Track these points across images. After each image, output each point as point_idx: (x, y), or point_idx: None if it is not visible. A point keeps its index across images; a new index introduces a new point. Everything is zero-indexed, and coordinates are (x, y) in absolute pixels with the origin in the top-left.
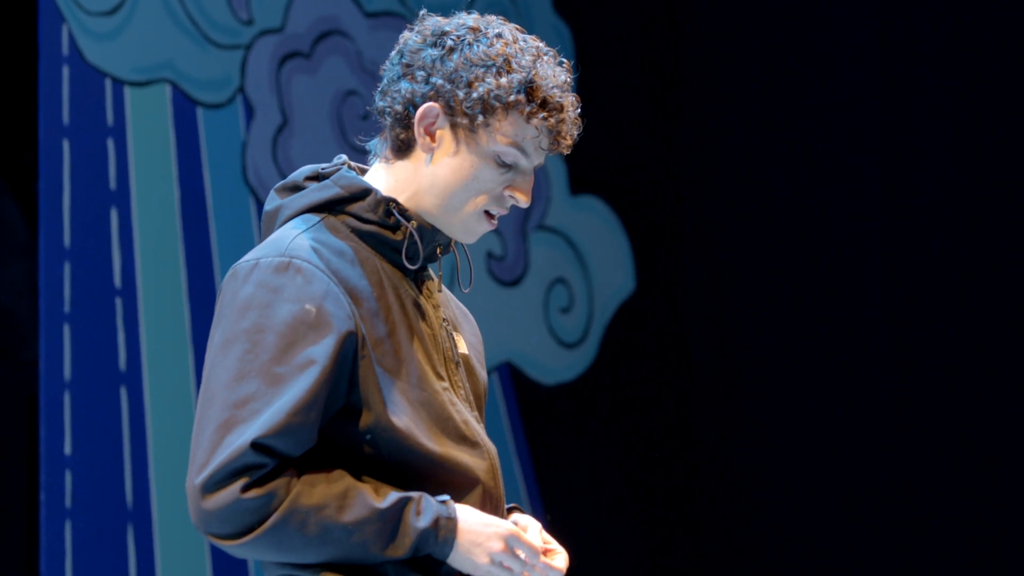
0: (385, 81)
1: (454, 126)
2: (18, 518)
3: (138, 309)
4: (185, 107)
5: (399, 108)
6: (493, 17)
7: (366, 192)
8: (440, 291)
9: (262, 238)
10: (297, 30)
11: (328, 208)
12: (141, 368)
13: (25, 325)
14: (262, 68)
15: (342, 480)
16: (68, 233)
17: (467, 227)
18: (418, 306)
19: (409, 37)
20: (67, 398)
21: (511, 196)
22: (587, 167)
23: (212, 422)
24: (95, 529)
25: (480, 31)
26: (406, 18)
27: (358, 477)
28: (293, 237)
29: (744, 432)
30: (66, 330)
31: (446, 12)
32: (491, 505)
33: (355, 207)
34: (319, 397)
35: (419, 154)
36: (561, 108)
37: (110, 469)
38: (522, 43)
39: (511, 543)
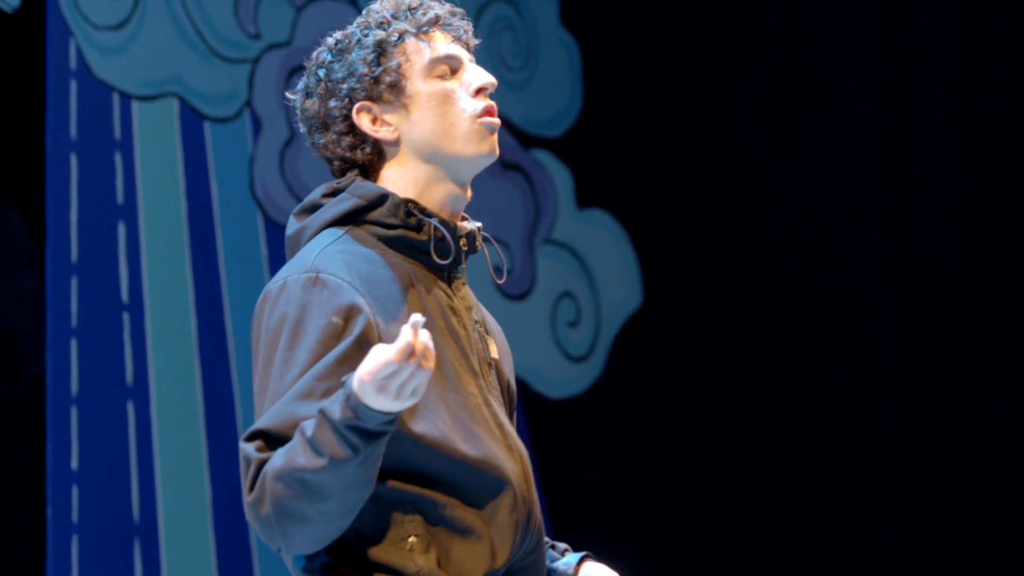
0: (321, 153)
1: (386, 99)
2: (25, 532)
3: (145, 323)
4: (192, 121)
5: (347, 139)
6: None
7: (384, 197)
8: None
9: (278, 262)
10: (304, 44)
11: (350, 219)
12: (148, 382)
13: (32, 339)
14: (269, 82)
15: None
16: (75, 247)
17: (477, 139)
18: (452, 308)
19: (299, 114)
20: (74, 412)
21: (476, 89)
22: (594, 181)
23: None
24: (102, 544)
25: (325, 46)
26: None
27: (396, 482)
28: (319, 251)
29: (751, 446)
30: (73, 344)
31: None
32: (523, 508)
33: (376, 214)
34: None
35: (390, 150)
36: (421, 2)
37: (117, 483)
38: (363, 14)
39: (381, 373)
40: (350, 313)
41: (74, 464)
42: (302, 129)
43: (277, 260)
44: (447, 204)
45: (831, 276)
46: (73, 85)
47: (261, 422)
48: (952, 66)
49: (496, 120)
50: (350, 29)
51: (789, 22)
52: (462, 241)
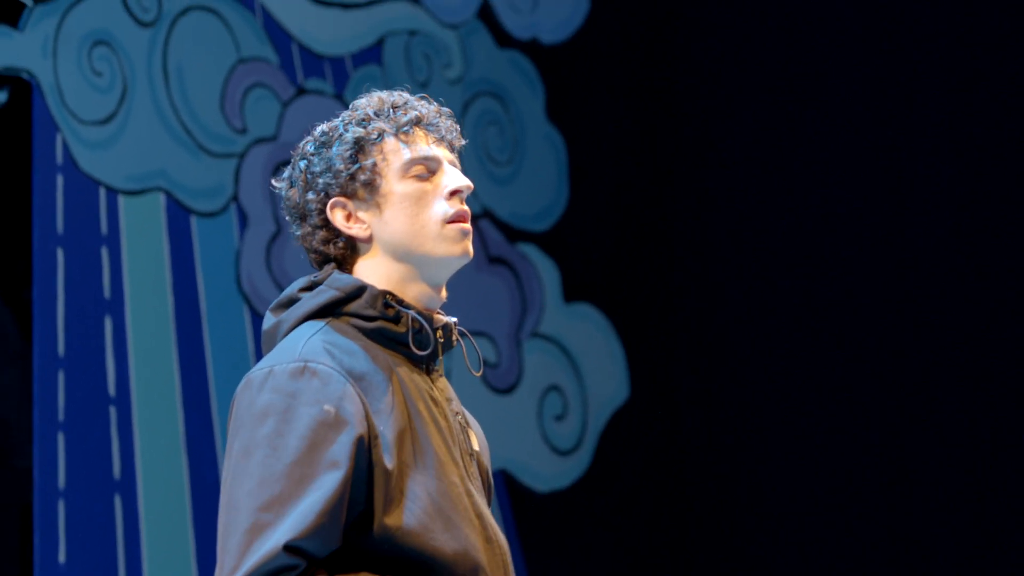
0: (302, 244)
1: (360, 197)
2: None
3: (132, 417)
4: (179, 215)
5: (322, 233)
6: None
7: (362, 289)
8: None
9: (262, 356)
10: (291, 138)
11: (329, 312)
12: (135, 476)
13: (19, 433)
14: (256, 176)
15: None
16: (62, 341)
17: (448, 240)
18: (433, 399)
19: (283, 205)
20: (61, 506)
21: (450, 193)
22: (580, 275)
23: (239, 528)
24: None
25: (309, 138)
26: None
27: (372, 572)
28: (305, 340)
29: (743, 540)
30: (60, 438)
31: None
32: None
33: (354, 306)
34: (344, 497)
35: (362, 248)
36: (405, 101)
37: None
38: (348, 109)
39: None
40: (342, 401)
41: (61, 558)
42: (285, 217)
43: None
44: (420, 302)
45: (824, 365)
46: (59, 179)
47: (285, 532)
48: (945, 76)
49: (467, 226)
50: (335, 122)
51: (778, 114)
52: (438, 333)
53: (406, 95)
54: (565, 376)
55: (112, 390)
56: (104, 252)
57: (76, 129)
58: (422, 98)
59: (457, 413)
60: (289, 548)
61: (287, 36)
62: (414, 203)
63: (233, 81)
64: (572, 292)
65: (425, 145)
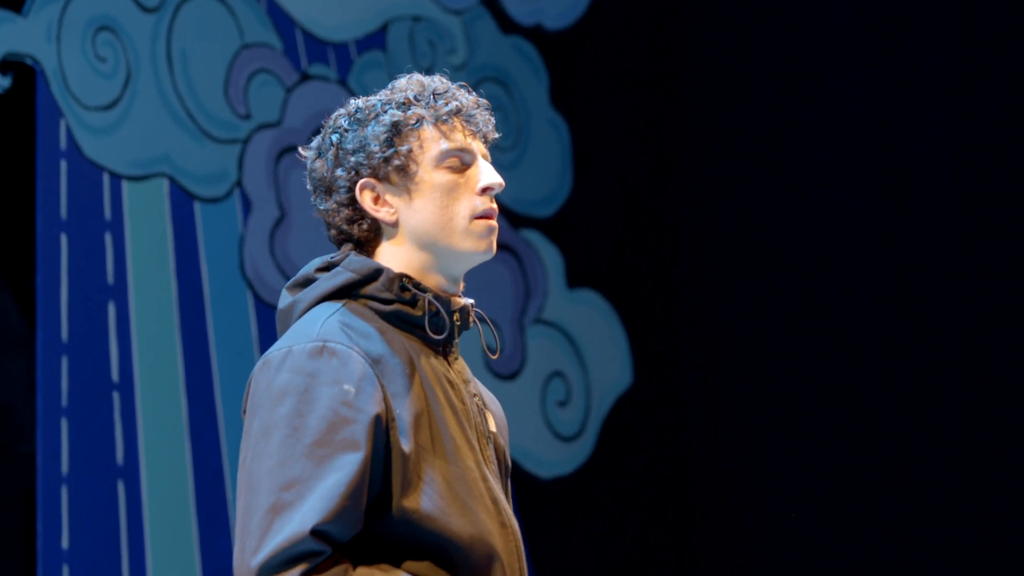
0: (322, 216)
1: (391, 181)
2: None
3: (135, 403)
4: (182, 201)
5: (346, 211)
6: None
7: (378, 272)
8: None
9: (278, 335)
10: (294, 124)
11: (345, 293)
12: (138, 462)
13: (22, 419)
14: (259, 162)
15: (392, 573)
16: (65, 327)
17: (474, 236)
18: (450, 382)
19: (307, 173)
20: (64, 492)
21: (483, 189)
22: (584, 261)
23: (261, 507)
24: None
25: (346, 113)
26: None
27: (394, 560)
28: (323, 321)
29: (745, 528)
30: (63, 424)
31: None
32: None
33: (370, 289)
34: (364, 479)
35: (387, 231)
36: (446, 89)
37: (107, 563)
38: (386, 90)
39: None
40: (361, 382)
41: (64, 543)
42: (308, 186)
43: (267, 339)
44: (439, 288)
45: (825, 352)
46: (63, 165)
47: (312, 516)
48: (949, 68)
49: (494, 223)
50: (372, 100)
51: (782, 99)
52: (455, 316)
53: (448, 82)
54: (568, 362)
55: (115, 376)
56: (108, 238)
57: (80, 115)
58: (461, 87)
59: (475, 395)
60: (316, 532)
61: (291, 22)
62: (446, 194)
63: (237, 67)
64: (575, 278)
65: (462, 137)
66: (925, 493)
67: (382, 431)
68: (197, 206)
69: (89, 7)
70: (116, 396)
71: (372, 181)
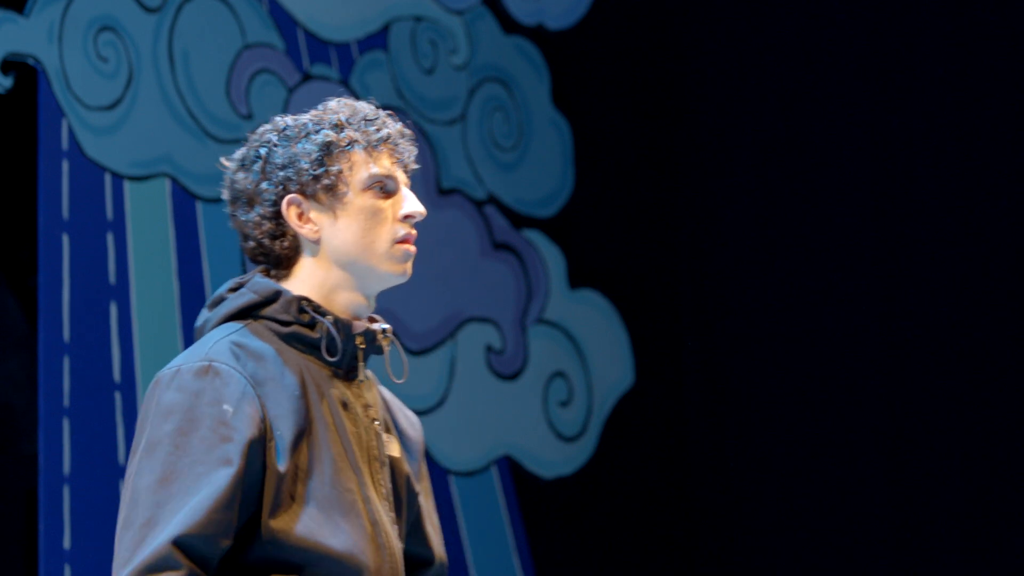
0: (238, 228)
1: (317, 197)
2: None
3: (137, 404)
4: (184, 201)
5: (268, 226)
6: (279, 117)
7: (278, 294)
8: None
9: None
10: None
11: (247, 314)
12: None
13: (24, 419)
14: None
15: None
16: (67, 327)
17: (394, 260)
18: (344, 404)
19: (227, 183)
20: (66, 492)
21: (404, 216)
22: (585, 261)
23: (136, 521)
24: None
25: (274, 128)
26: (405, 112)
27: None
28: (215, 342)
29: (746, 527)
30: (65, 424)
31: (443, 107)
32: None
33: (270, 310)
34: (235, 495)
35: (308, 247)
36: (377, 116)
37: (109, 563)
38: (318, 108)
39: None
40: (241, 402)
41: (66, 543)
42: (225, 196)
43: None
44: (348, 309)
45: (824, 354)
46: (65, 165)
47: (174, 527)
48: (953, 73)
49: (413, 249)
50: (303, 119)
51: (783, 98)
52: (359, 340)
53: (378, 109)
54: (570, 362)
55: (117, 376)
56: (110, 238)
57: (82, 115)
58: (389, 115)
59: (375, 419)
60: (177, 544)
61: (293, 22)
62: (370, 217)
63: (239, 67)
64: (577, 278)
65: (388, 164)
66: (926, 494)
67: (258, 451)
68: (199, 206)
69: (91, 7)
70: (118, 396)
71: (299, 197)
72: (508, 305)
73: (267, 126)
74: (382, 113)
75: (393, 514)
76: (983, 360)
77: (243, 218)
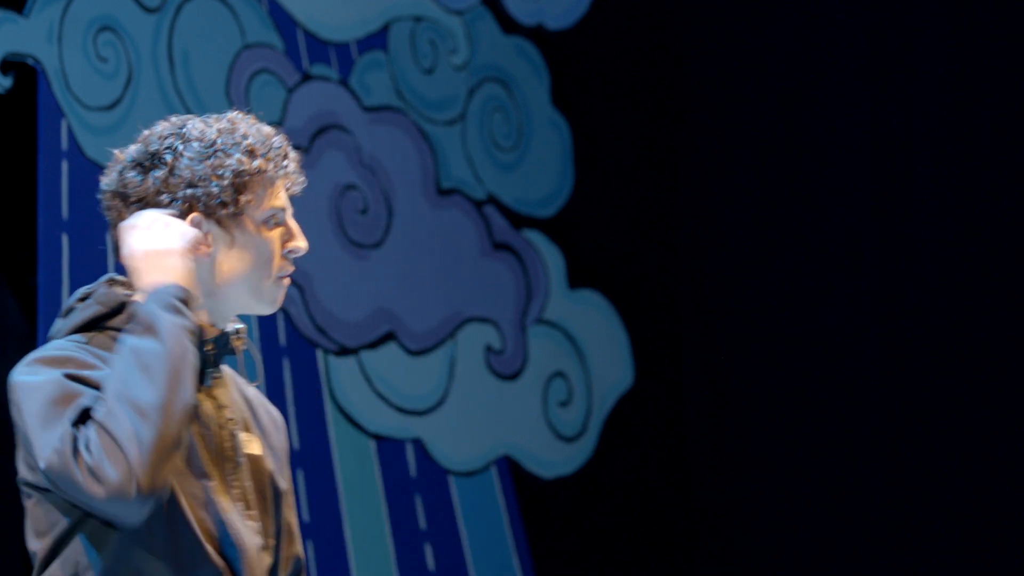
0: (124, 211)
1: (219, 221)
2: None
3: None
4: None
5: None
6: (176, 118)
7: (123, 306)
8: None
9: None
10: (296, 124)
11: (93, 326)
12: None
13: None
14: None
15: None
16: None
17: (272, 298)
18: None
19: (116, 179)
20: None
21: (291, 251)
22: (585, 261)
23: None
24: None
25: (180, 134)
26: (405, 112)
27: (134, 563)
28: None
29: (745, 527)
30: None
31: (443, 107)
32: None
33: (115, 321)
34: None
35: (200, 262)
36: (286, 152)
37: None
38: (220, 122)
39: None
40: (83, 359)
41: None
42: (105, 185)
43: (267, 339)
44: (208, 320)
45: (824, 354)
46: (64, 166)
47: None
48: (955, 72)
49: (288, 281)
50: (209, 133)
51: (783, 98)
52: (209, 347)
53: (282, 135)
54: (570, 362)
55: None
56: (109, 238)
57: (81, 115)
58: (287, 139)
59: (231, 419)
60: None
61: (292, 22)
62: (263, 252)
63: (238, 67)
64: (577, 278)
65: (284, 195)
66: (926, 494)
67: None
68: None
69: (90, 7)
70: None
71: (200, 218)
72: (508, 305)
73: (166, 126)
74: (286, 143)
75: (253, 511)
76: (983, 360)
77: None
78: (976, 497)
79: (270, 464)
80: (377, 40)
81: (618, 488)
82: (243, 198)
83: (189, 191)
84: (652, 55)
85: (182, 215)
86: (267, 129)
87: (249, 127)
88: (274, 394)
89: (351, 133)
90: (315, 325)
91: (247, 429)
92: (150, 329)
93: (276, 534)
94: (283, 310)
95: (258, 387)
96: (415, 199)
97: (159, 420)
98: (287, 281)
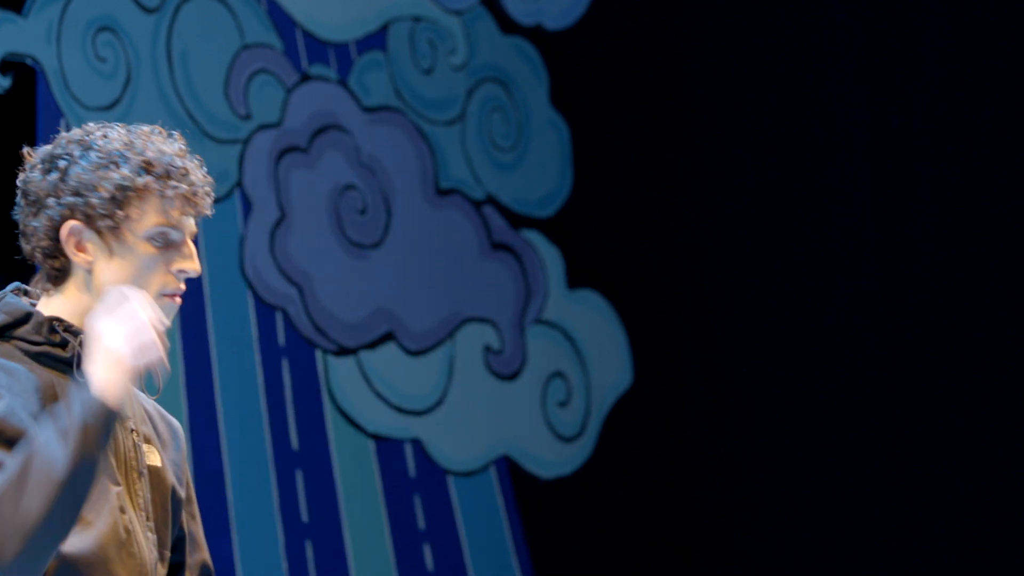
0: (21, 226)
1: (99, 232)
2: None
3: None
4: None
5: (46, 243)
6: (95, 125)
7: (28, 316)
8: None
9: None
10: (295, 125)
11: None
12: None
13: None
14: (260, 163)
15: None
16: None
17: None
18: None
19: (24, 177)
20: None
21: (179, 271)
22: (584, 261)
23: None
24: None
25: (84, 141)
26: (404, 112)
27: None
28: None
29: (745, 527)
30: None
31: (441, 107)
32: None
33: (21, 331)
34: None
35: (79, 272)
36: (186, 172)
37: None
38: (130, 135)
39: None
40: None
41: None
42: (21, 183)
43: (267, 339)
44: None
45: (823, 353)
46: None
47: None
48: (955, 72)
49: (178, 302)
50: (113, 142)
51: (783, 98)
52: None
53: (184, 155)
54: (569, 363)
55: None
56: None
57: (80, 115)
58: (197, 159)
59: (133, 430)
60: None
61: (291, 22)
62: (143, 267)
63: (237, 67)
64: (576, 278)
65: (177, 216)
66: (926, 494)
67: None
68: None
69: (89, 7)
70: None
71: (80, 226)
72: (507, 305)
73: (78, 132)
74: (190, 166)
75: (152, 523)
76: (983, 360)
77: (27, 221)
78: (976, 497)
79: (170, 477)
80: (376, 40)
81: (617, 488)
82: (121, 212)
83: (72, 199)
84: (651, 55)
85: (63, 220)
86: (172, 145)
87: (152, 141)
88: (273, 394)
89: (350, 133)
90: (314, 325)
91: (148, 441)
92: (66, 436)
93: (172, 546)
94: (282, 310)
95: (157, 401)
96: (414, 199)
97: (38, 529)
98: (177, 300)
